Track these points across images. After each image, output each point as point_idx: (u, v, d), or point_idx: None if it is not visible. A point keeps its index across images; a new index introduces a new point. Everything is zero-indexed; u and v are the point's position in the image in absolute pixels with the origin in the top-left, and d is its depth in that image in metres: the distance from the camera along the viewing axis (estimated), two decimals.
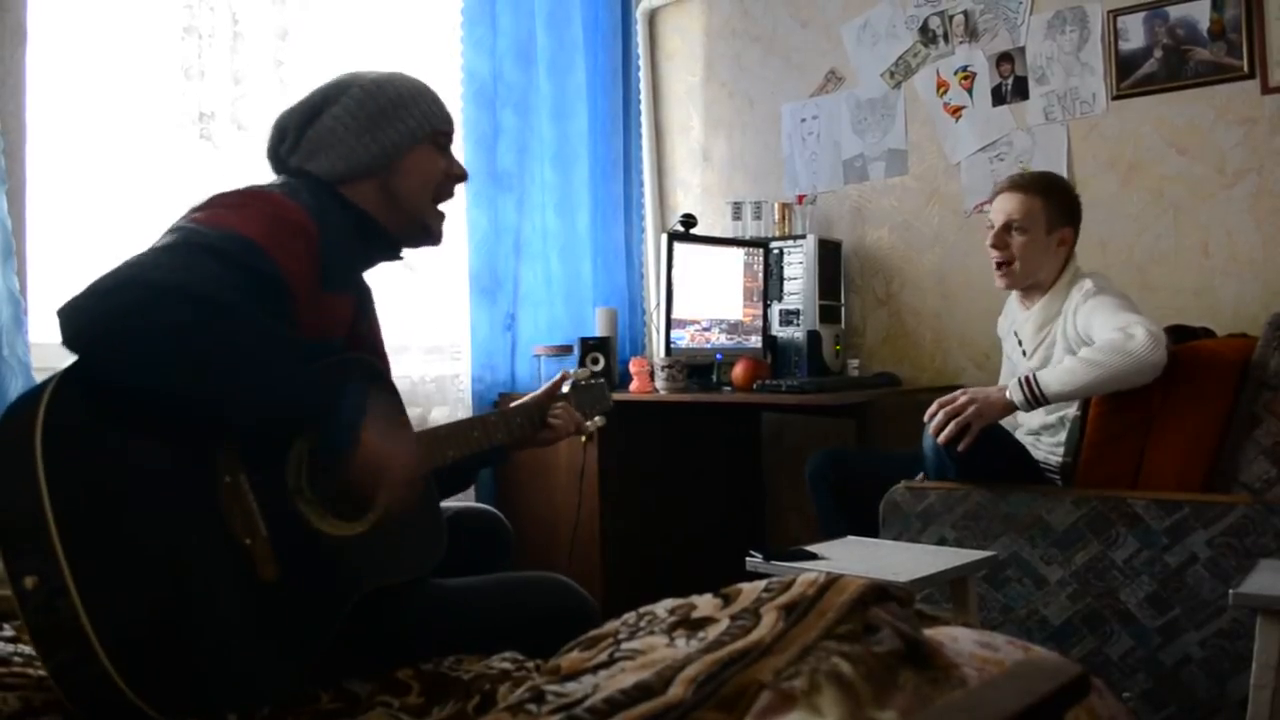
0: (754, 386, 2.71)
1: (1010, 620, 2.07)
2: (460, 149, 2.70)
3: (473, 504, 1.85)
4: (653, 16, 3.59)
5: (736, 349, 3.03)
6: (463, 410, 2.90)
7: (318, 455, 1.20)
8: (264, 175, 1.45)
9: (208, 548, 1.08)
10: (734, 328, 3.06)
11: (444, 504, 1.48)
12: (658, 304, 3.07)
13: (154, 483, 1.06)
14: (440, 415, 2.83)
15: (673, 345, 2.89)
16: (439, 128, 1.45)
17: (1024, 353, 2.33)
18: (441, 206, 1.48)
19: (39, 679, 1.08)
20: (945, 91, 3.02)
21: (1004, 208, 2.29)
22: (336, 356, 1.32)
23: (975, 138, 2.97)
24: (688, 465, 3.06)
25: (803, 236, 3.07)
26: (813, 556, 1.78)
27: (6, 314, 1.88)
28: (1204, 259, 2.63)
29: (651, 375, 2.89)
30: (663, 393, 2.83)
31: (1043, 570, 2.04)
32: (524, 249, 3.09)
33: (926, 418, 2.10)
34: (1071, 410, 2.18)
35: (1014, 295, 2.41)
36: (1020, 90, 2.89)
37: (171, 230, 1.17)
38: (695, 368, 2.93)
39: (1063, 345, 2.19)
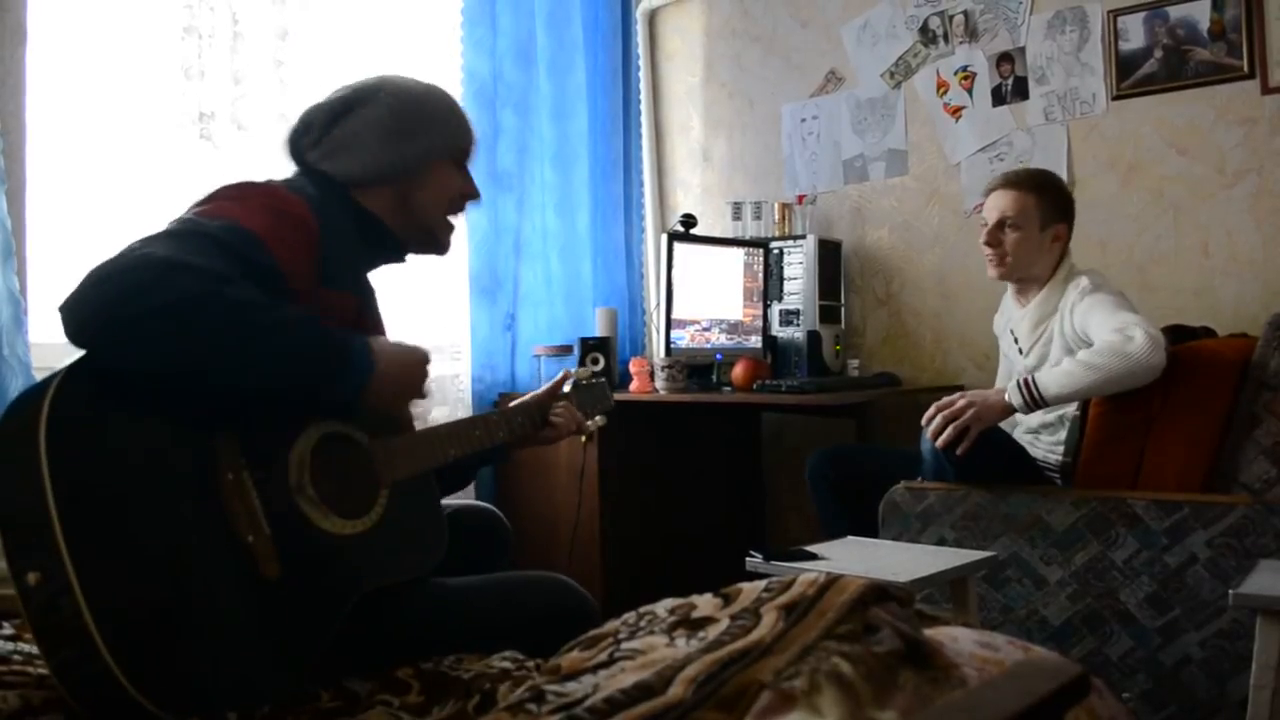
0: (754, 387, 2.72)
1: (1010, 620, 2.07)
2: None
3: (472, 502, 1.85)
4: (653, 17, 3.59)
5: (736, 349, 3.03)
6: (463, 410, 2.90)
7: (338, 390, 1.20)
8: (265, 175, 1.45)
9: (210, 545, 1.08)
10: (734, 328, 3.06)
11: (443, 502, 1.48)
12: (658, 304, 3.07)
13: (157, 479, 1.06)
14: (440, 415, 2.83)
15: (673, 345, 2.89)
16: (462, 146, 1.48)
17: (1020, 350, 2.33)
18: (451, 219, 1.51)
19: (39, 677, 1.08)
20: (945, 92, 3.02)
21: (997, 205, 2.30)
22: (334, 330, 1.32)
23: (975, 138, 2.97)
24: (688, 465, 3.06)
25: (803, 237, 3.07)
26: (812, 556, 1.78)
27: (6, 314, 1.88)
28: (1204, 259, 2.63)
29: (651, 375, 2.89)
30: (663, 393, 2.83)
31: (1042, 570, 2.04)
32: (524, 249, 3.09)
33: (924, 421, 2.09)
34: (1071, 409, 2.18)
35: (1009, 293, 2.41)
36: (1020, 90, 2.89)
37: (174, 222, 1.17)
38: (695, 368, 2.93)
39: (1059, 343, 2.19)
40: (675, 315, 2.90)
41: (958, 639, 0.92)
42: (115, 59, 2.29)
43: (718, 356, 3.00)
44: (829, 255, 3.08)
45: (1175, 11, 2.63)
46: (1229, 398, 2.01)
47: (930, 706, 0.77)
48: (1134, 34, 2.70)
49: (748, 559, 1.79)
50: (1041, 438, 2.28)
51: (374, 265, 1.49)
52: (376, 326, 1.51)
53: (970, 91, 2.97)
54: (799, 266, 3.05)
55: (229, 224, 1.16)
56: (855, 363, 3.10)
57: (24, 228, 2.02)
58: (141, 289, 1.02)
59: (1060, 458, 2.21)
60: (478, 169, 1.50)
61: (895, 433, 2.97)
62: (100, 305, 1.02)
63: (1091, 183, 2.78)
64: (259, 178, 1.35)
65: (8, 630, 1.29)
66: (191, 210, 1.21)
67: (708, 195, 3.50)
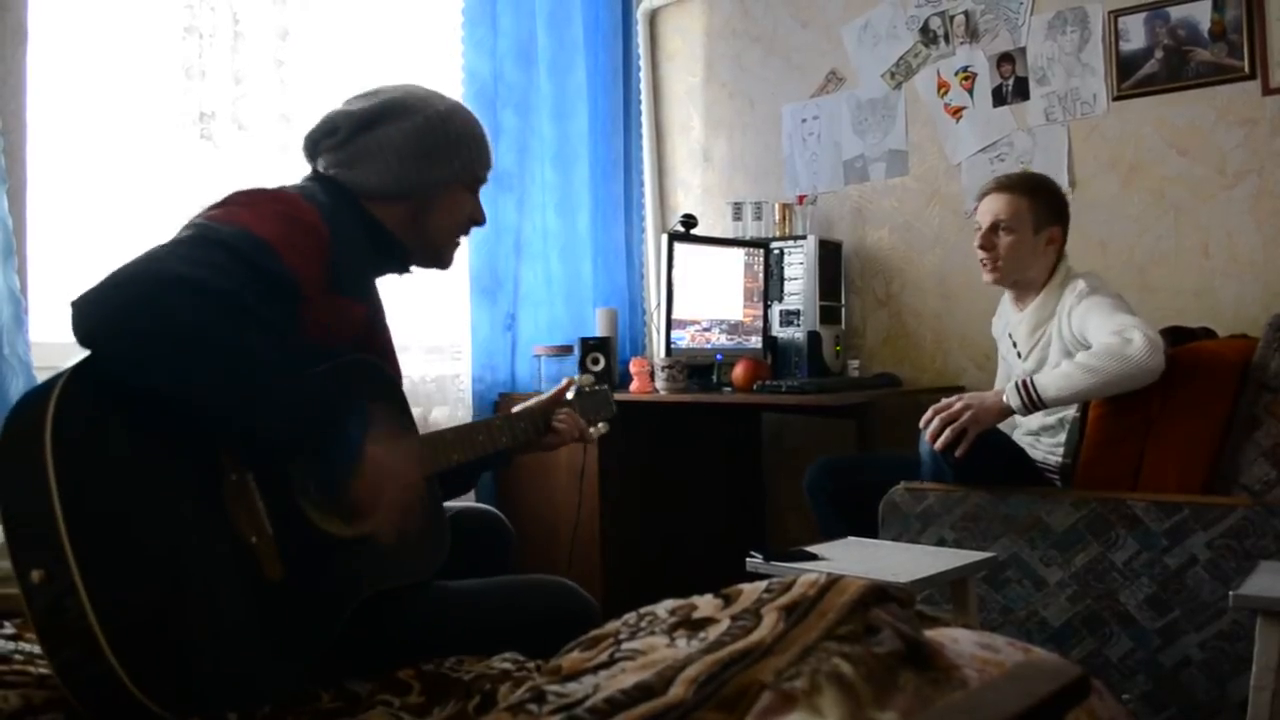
0: (754, 387, 2.71)
1: (1010, 621, 2.07)
2: None
3: (474, 504, 1.85)
4: (653, 17, 3.59)
5: (737, 349, 3.03)
6: (463, 410, 2.90)
7: (319, 472, 1.20)
8: (265, 174, 1.46)
9: (213, 545, 1.08)
10: (734, 328, 3.06)
11: (445, 505, 1.48)
12: (658, 304, 3.07)
13: (161, 480, 1.07)
14: (440, 415, 2.83)
15: (673, 345, 2.89)
16: (480, 174, 1.50)
17: (1019, 354, 2.33)
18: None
19: (40, 677, 1.08)
20: (946, 92, 3.02)
21: (991, 208, 2.30)
22: (346, 357, 1.32)
23: (976, 138, 2.97)
24: (688, 466, 3.06)
25: (803, 237, 3.07)
26: (813, 557, 1.78)
27: (7, 313, 1.88)
28: (1204, 260, 2.63)
29: (652, 375, 2.89)
30: (663, 393, 2.83)
31: (1042, 572, 2.04)
32: (524, 249, 3.09)
33: (922, 424, 2.09)
34: (1070, 411, 2.18)
35: (1007, 297, 2.41)
36: (1021, 91, 2.89)
37: (187, 227, 1.18)
38: (695, 368, 2.93)
39: (1058, 346, 2.19)
40: (675, 315, 2.90)
41: (958, 640, 0.92)
42: (116, 58, 2.29)
43: (718, 357, 3.00)
44: (829, 256, 3.08)
45: (1176, 12, 2.63)
46: (1229, 399, 2.01)
47: (931, 708, 0.77)
48: (1135, 34, 2.70)
49: (748, 559, 1.79)
50: (1041, 440, 2.28)
51: (380, 274, 1.51)
52: (384, 335, 1.51)
53: (971, 92, 2.97)
54: (799, 267, 3.05)
55: (241, 231, 1.17)
56: (855, 363, 3.10)
57: (25, 227, 2.02)
58: (153, 306, 1.03)
59: (1060, 459, 2.21)
60: None
61: (896, 434, 2.97)
62: (111, 313, 1.03)
63: (1092, 183, 2.78)
64: (267, 183, 1.36)
65: (9, 630, 1.29)
66: (203, 215, 1.21)
67: (708, 195, 3.50)
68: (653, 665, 0.85)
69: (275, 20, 2.49)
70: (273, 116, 2.46)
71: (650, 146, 3.56)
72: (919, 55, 3.06)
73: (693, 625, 0.96)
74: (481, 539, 1.65)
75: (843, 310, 3.15)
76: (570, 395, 1.73)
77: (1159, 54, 2.67)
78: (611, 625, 1.04)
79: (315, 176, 1.42)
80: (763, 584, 1.02)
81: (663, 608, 1.04)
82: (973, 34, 2.96)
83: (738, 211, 3.22)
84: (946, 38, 3.01)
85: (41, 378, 1.06)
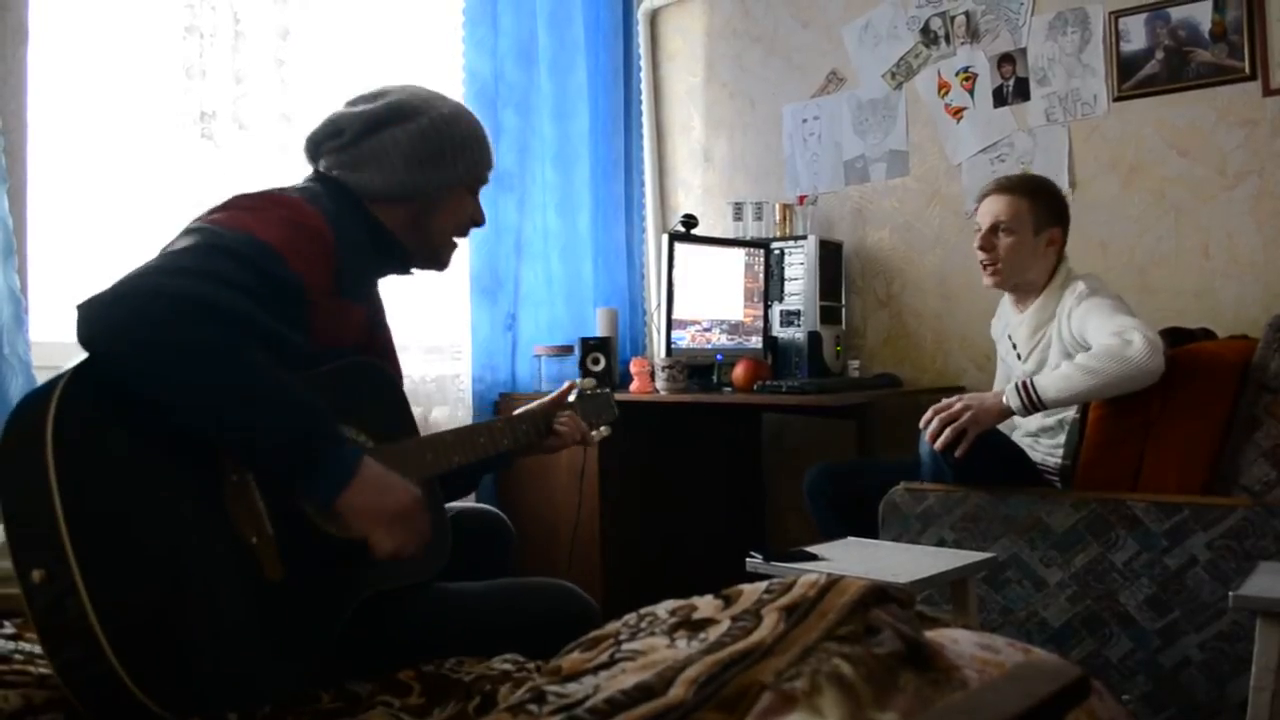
0: (754, 387, 2.71)
1: (1010, 622, 2.07)
2: None
3: (475, 504, 1.86)
4: (654, 17, 3.59)
5: (737, 349, 3.03)
6: (463, 410, 2.90)
7: (311, 491, 1.17)
8: (266, 174, 1.45)
9: (214, 546, 1.09)
10: (735, 328, 3.06)
11: (446, 505, 1.48)
12: (658, 304, 3.07)
13: (162, 480, 1.07)
14: (440, 415, 2.83)
15: (673, 346, 2.90)
16: (482, 176, 1.50)
17: (1019, 356, 2.33)
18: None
19: (40, 676, 1.08)
20: (946, 92, 3.02)
21: (991, 210, 2.30)
22: (347, 359, 1.32)
23: (976, 139, 2.97)
24: (688, 466, 3.06)
25: (804, 237, 3.07)
26: (813, 558, 1.78)
27: (7, 312, 1.88)
28: (1205, 261, 2.63)
29: (652, 376, 2.89)
30: (663, 393, 2.83)
31: (1042, 572, 2.04)
32: (525, 249, 3.09)
33: (922, 424, 2.09)
34: (1070, 413, 2.18)
35: (1007, 298, 2.41)
36: (1021, 91, 2.89)
37: (190, 230, 1.18)
38: (696, 368, 2.93)
39: (1058, 348, 2.19)
40: (676, 315, 2.90)
41: (958, 641, 0.92)
42: (117, 58, 2.29)
43: (718, 357, 3.00)
44: (830, 256, 3.08)
45: (1177, 13, 2.63)
46: (1229, 400, 2.01)
47: (931, 708, 0.77)
48: (1135, 35, 2.70)
49: (748, 560, 1.79)
50: (1041, 441, 2.28)
51: (382, 275, 1.51)
52: (385, 335, 1.51)
53: (971, 92, 2.97)
54: (800, 267, 3.05)
55: (246, 236, 1.17)
56: (856, 364, 3.10)
57: (25, 226, 2.02)
58: (158, 319, 1.04)
59: (1060, 461, 2.21)
60: None
61: (896, 434, 2.97)
62: (115, 323, 1.04)
63: (1092, 184, 2.78)
64: (268, 182, 1.36)
65: (9, 629, 1.29)
66: (207, 218, 1.21)
67: (708, 195, 3.50)
68: (653, 666, 0.85)
69: (276, 20, 2.49)
70: (273, 116, 2.46)
71: (651, 146, 3.56)
72: (920, 55, 3.06)
73: (693, 626, 0.96)
74: (482, 539, 1.65)
75: (843, 310, 3.15)
76: (572, 398, 1.73)
77: (1160, 55, 2.67)
78: (612, 626, 1.04)
79: (317, 177, 1.42)
80: (763, 584, 1.02)
81: (663, 608, 1.04)
82: (973, 34, 2.96)
83: (738, 212, 3.22)
84: (947, 38, 3.01)
85: (41, 377, 1.07)
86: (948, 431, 2.03)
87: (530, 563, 2.62)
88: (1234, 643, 1.83)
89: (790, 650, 0.84)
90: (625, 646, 0.94)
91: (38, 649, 1.15)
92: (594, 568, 2.71)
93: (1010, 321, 2.38)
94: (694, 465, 3.08)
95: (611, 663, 0.91)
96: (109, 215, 2.25)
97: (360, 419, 1.31)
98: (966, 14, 2.96)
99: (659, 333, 2.96)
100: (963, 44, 2.98)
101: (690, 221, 3.04)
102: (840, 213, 3.22)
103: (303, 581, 1.15)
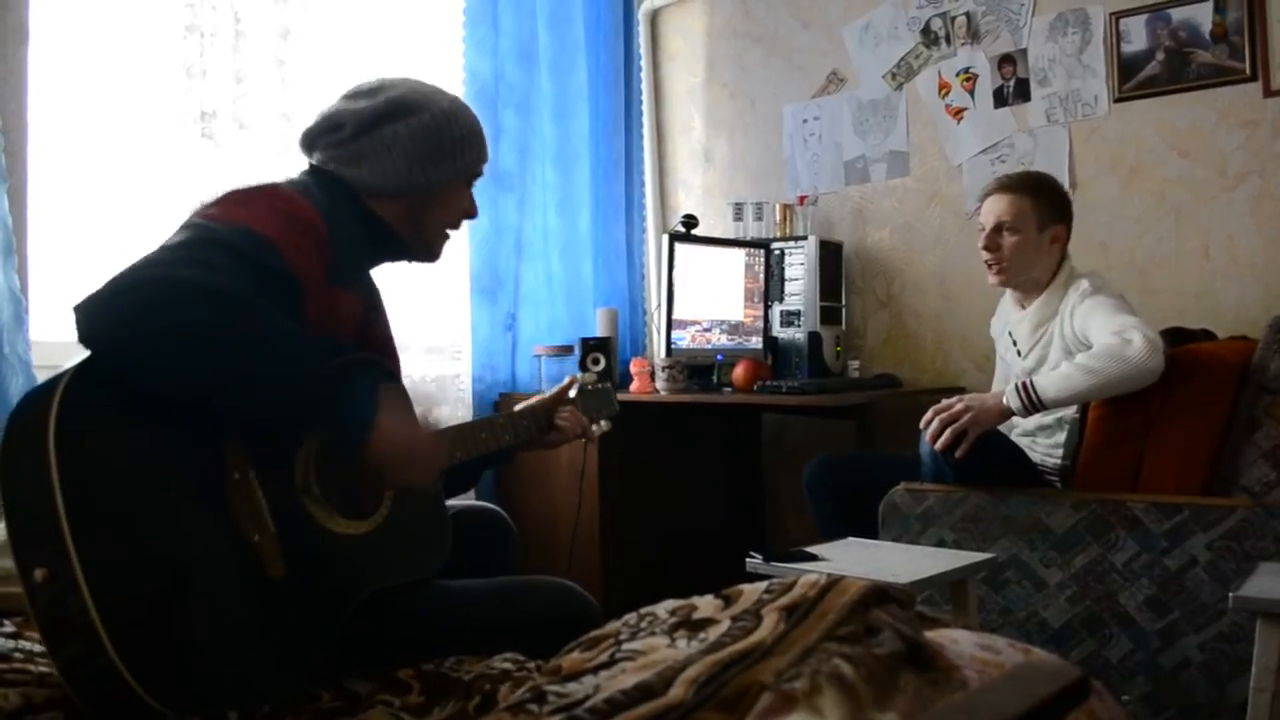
0: (754, 387, 2.72)
1: (1009, 623, 2.07)
2: None
3: (476, 503, 1.86)
4: (654, 17, 3.59)
5: (737, 350, 3.03)
6: (463, 409, 2.90)
7: (332, 448, 1.20)
8: (267, 174, 1.45)
9: (216, 544, 1.09)
10: (735, 329, 3.06)
11: (448, 503, 1.48)
12: (659, 304, 3.07)
13: (164, 478, 1.07)
14: (440, 414, 2.83)
15: (673, 346, 2.90)
16: (478, 171, 1.51)
17: (1019, 353, 2.33)
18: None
19: (40, 675, 1.08)
20: (947, 93, 3.02)
21: (994, 209, 2.30)
22: (349, 356, 1.32)
23: (977, 139, 2.97)
24: (688, 466, 3.06)
25: (804, 237, 3.07)
26: (813, 558, 1.78)
27: (7, 312, 1.88)
28: (1205, 262, 2.63)
29: (652, 376, 2.89)
30: (663, 393, 2.83)
31: (1042, 573, 2.04)
32: (525, 249, 3.09)
33: (922, 425, 2.09)
34: (1069, 411, 2.18)
35: (1007, 296, 2.41)
36: (1022, 92, 2.89)
37: (184, 227, 1.18)
38: (696, 368, 2.93)
39: (1059, 345, 2.19)
40: (676, 316, 2.91)
41: (958, 641, 0.92)
42: (117, 58, 2.29)
43: (718, 357, 3.00)
44: (830, 256, 3.08)
45: (1177, 14, 2.63)
46: (1229, 401, 2.01)
47: (931, 709, 0.77)
48: (1136, 36, 2.70)
49: (748, 560, 1.79)
50: (1039, 440, 2.28)
51: (376, 264, 1.51)
52: (382, 326, 1.52)
53: (972, 93, 2.97)
54: (800, 267, 3.05)
55: (240, 229, 1.17)
56: (856, 364, 3.10)
57: (25, 226, 2.02)
58: (157, 308, 1.04)
59: (1059, 461, 2.21)
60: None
61: (896, 434, 2.97)
62: (115, 317, 1.04)
63: (1093, 185, 2.78)
64: (263, 179, 1.35)
65: (9, 628, 1.29)
66: (200, 213, 1.21)
67: (709, 196, 3.50)
68: (653, 666, 0.85)
69: (276, 19, 2.50)
70: (274, 116, 2.47)
71: (651, 147, 3.56)
72: (920, 56, 3.06)
73: (693, 626, 0.96)
74: (484, 537, 1.65)
75: (843, 311, 3.15)
76: (573, 393, 1.73)
77: (1160, 56, 2.67)
78: (612, 626, 1.04)
79: (311, 171, 1.42)
80: (763, 584, 1.02)
81: (663, 608, 1.04)
82: (974, 35, 2.96)
83: (738, 212, 3.22)
84: (948, 39, 3.01)
85: (41, 377, 1.07)
86: (948, 433, 2.03)
87: (530, 562, 2.61)
88: (1234, 644, 1.83)
89: (790, 650, 0.84)
90: (625, 646, 0.94)
91: (38, 647, 1.15)
92: (594, 567, 2.71)
93: (1011, 319, 2.38)
94: (694, 465, 3.08)
95: (611, 662, 0.91)
96: (109, 215, 2.25)
97: None
98: (967, 15, 2.96)
99: (659, 333, 2.96)
100: (963, 44, 2.98)
101: (690, 222, 3.04)
102: (840, 213, 3.22)
103: (304, 579, 1.15)
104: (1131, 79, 2.71)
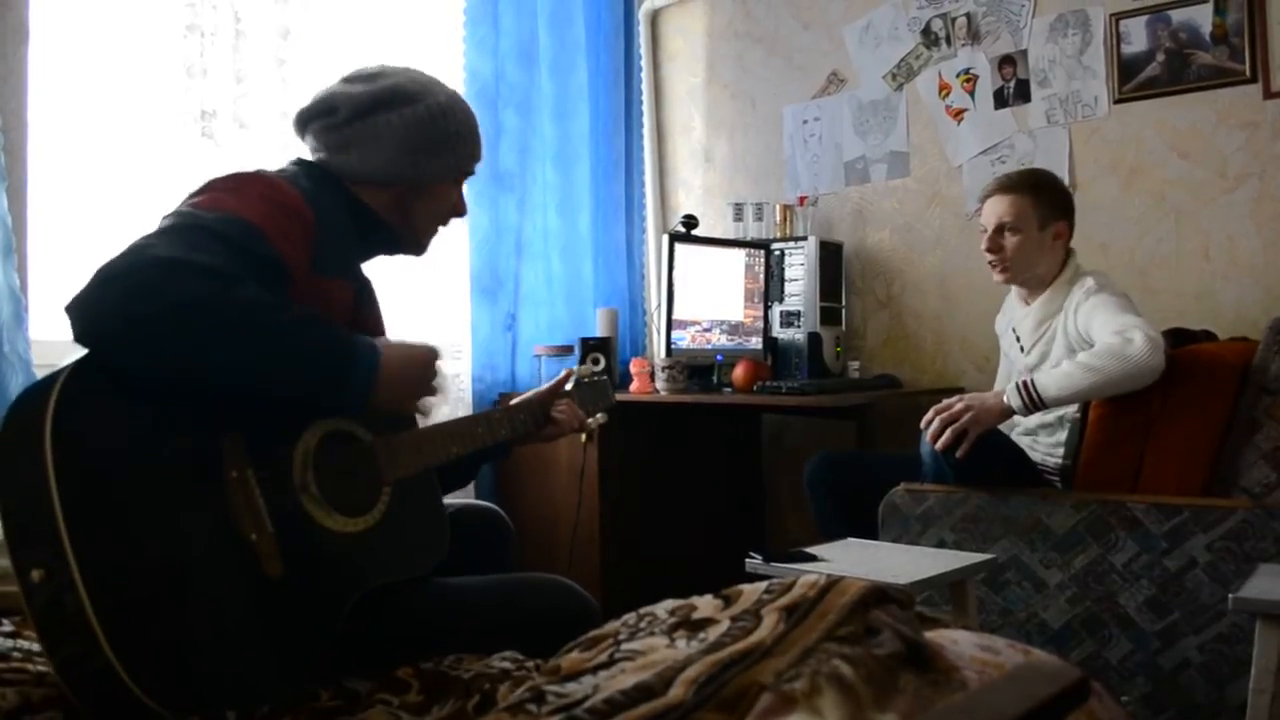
0: (754, 388, 2.71)
1: (1009, 623, 2.07)
2: None
3: (474, 501, 1.86)
4: (655, 17, 3.59)
5: (737, 350, 3.03)
6: (463, 409, 2.90)
7: (344, 391, 1.19)
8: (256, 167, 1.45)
9: (213, 543, 1.08)
10: (735, 329, 3.06)
11: (446, 501, 1.48)
12: (658, 305, 3.07)
13: (161, 477, 1.07)
14: (441, 414, 2.83)
15: (673, 346, 2.89)
16: (470, 168, 1.51)
17: (1022, 349, 2.33)
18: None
19: (38, 674, 1.08)
20: (947, 94, 3.02)
21: (994, 210, 2.30)
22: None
23: (977, 140, 2.97)
24: (688, 466, 3.06)
25: (804, 238, 3.07)
26: (812, 558, 1.78)
27: (7, 311, 1.88)
28: (1205, 263, 2.63)
29: (652, 376, 2.89)
30: (663, 393, 2.83)
31: (1042, 573, 2.04)
32: (525, 249, 3.09)
33: (923, 424, 2.09)
34: (1070, 410, 2.18)
35: (1013, 293, 2.41)
36: (1022, 93, 2.89)
37: (170, 215, 1.17)
38: (696, 368, 2.93)
39: (1062, 342, 2.19)
40: (676, 316, 2.90)
41: (958, 642, 0.92)
42: (117, 57, 2.29)
43: (718, 357, 3.00)
44: (830, 257, 3.08)
45: (1177, 15, 2.63)
46: (1229, 402, 2.01)
47: (930, 709, 0.77)
48: (1136, 37, 2.70)
49: (748, 560, 1.79)
50: (1040, 439, 2.28)
51: (367, 256, 1.50)
52: (374, 315, 1.52)
53: (972, 94, 2.97)
54: (800, 268, 3.05)
55: (227, 216, 1.16)
56: (856, 364, 3.10)
57: (25, 225, 2.03)
58: (149, 289, 1.03)
59: (1059, 460, 2.21)
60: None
61: (896, 435, 2.97)
62: (108, 305, 1.03)
63: (1093, 186, 2.78)
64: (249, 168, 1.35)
65: (7, 627, 1.29)
66: (187, 203, 1.21)
67: (709, 196, 3.50)
68: (652, 666, 0.85)
69: (277, 19, 2.50)
70: (274, 115, 2.47)
71: (651, 147, 3.56)
72: (920, 57, 3.06)
73: (693, 626, 0.96)
74: (482, 536, 1.65)
75: (843, 311, 3.15)
76: (569, 386, 1.73)
77: (1160, 57, 2.67)
78: (611, 625, 1.04)
79: (298, 161, 1.42)
80: (763, 585, 1.02)
81: (663, 608, 1.04)
82: (974, 36, 2.96)
83: (739, 212, 3.22)
84: (948, 39, 3.01)
85: (41, 375, 1.06)
86: (948, 432, 2.03)
87: (530, 562, 2.61)
88: (1233, 645, 1.83)
89: (790, 651, 0.84)
90: (625, 646, 0.94)
91: (36, 646, 1.15)
92: (594, 567, 2.71)
93: (1015, 314, 2.38)
94: (694, 465, 3.08)
95: (611, 662, 0.91)
96: (109, 214, 2.25)
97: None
98: (967, 15, 2.96)
99: (659, 333, 2.96)
100: (963, 45, 2.98)
101: (690, 222, 3.04)
102: (840, 214, 3.22)
103: (302, 578, 1.15)
104: (1132, 80, 2.71)
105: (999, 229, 2.28)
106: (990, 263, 2.31)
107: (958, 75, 3.00)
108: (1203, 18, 2.60)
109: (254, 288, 1.10)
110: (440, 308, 2.95)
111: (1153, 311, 2.49)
